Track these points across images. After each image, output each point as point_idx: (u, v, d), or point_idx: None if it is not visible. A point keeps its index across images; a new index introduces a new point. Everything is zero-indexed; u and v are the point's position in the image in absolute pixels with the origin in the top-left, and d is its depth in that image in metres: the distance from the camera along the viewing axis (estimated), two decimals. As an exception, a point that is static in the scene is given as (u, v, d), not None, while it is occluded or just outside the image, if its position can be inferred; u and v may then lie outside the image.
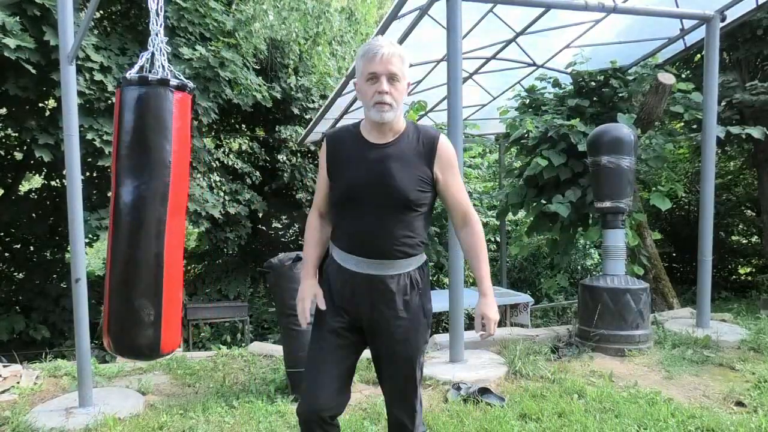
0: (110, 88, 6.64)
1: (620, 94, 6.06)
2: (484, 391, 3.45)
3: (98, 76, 6.55)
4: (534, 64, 6.83)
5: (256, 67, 8.82)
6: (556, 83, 6.67)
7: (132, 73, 2.54)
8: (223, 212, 8.45)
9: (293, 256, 3.54)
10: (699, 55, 7.80)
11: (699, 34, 5.37)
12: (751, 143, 8.12)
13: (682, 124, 7.09)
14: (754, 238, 11.04)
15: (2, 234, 8.42)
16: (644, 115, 5.62)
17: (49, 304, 8.04)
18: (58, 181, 8.52)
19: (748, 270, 10.96)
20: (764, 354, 4.18)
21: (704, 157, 4.98)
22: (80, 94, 5.85)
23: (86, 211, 6.71)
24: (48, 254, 8.50)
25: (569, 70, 6.43)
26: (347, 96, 7.06)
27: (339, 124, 7.87)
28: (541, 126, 5.90)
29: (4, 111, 7.38)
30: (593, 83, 6.18)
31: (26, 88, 6.35)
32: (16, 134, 7.75)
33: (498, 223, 9.74)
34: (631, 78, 6.11)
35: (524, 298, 7.72)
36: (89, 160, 6.81)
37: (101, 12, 7.74)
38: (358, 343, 1.99)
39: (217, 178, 8.62)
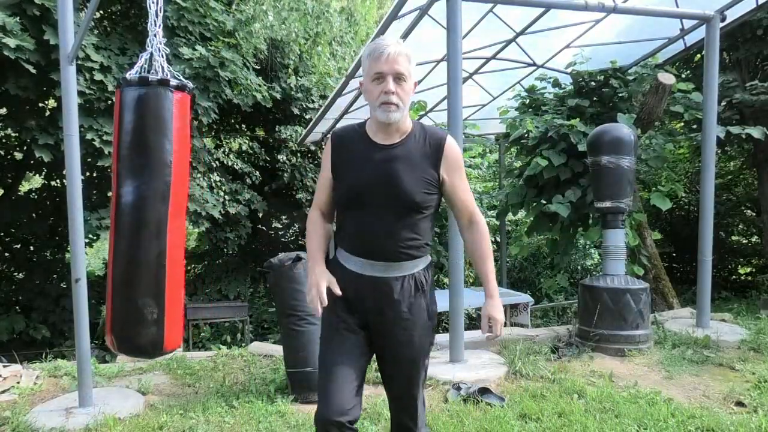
0: (110, 88, 6.64)
1: (620, 94, 6.06)
2: (484, 391, 3.45)
3: (98, 76, 6.55)
4: (534, 64, 6.83)
5: (256, 67, 8.82)
6: (556, 83, 6.67)
7: (132, 74, 2.55)
8: (223, 212, 8.45)
9: (293, 256, 3.54)
10: (699, 55, 7.80)
11: (699, 34, 5.37)
12: (751, 143, 8.12)
13: (682, 124, 7.10)
14: (754, 238, 11.04)
15: (2, 234, 8.42)
16: (644, 115, 5.62)
17: (49, 304, 8.04)
18: (58, 181, 8.52)
19: (748, 270, 10.95)
20: (764, 354, 4.18)
21: (704, 157, 4.98)
22: (80, 94, 5.85)
23: (86, 211, 6.71)
24: (48, 254, 8.50)
25: (569, 70, 6.43)
26: (347, 96, 7.06)
27: (339, 124, 7.88)
28: (541, 126, 5.90)
29: (4, 111, 7.38)
30: (593, 83, 6.18)
31: (26, 88, 6.35)
32: (16, 134, 7.75)
33: (498, 223, 9.74)
34: (631, 78, 6.11)
35: (524, 298, 7.72)
36: (89, 160, 6.80)
37: (101, 12, 7.74)
38: (369, 342, 1.95)
39: (217, 178, 8.62)
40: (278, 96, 9.19)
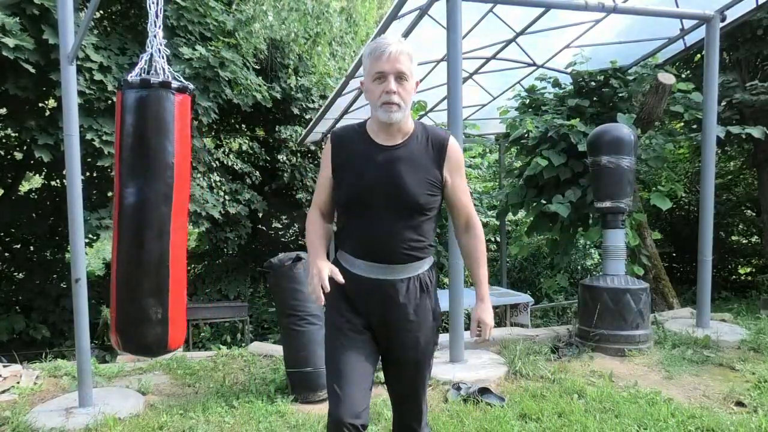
0: (110, 87, 6.64)
1: (620, 94, 6.06)
2: (484, 391, 3.45)
3: (98, 76, 6.55)
4: (534, 64, 6.83)
5: (256, 67, 8.82)
6: (556, 83, 6.67)
7: (133, 76, 2.55)
8: (223, 212, 8.45)
9: (293, 256, 3.54)
10: (699, 55, 7.80)
11: (699, 34, 5.37)
12: (751, 143, 8.12)
13: (682, 124, 7.09)
14: (754, 238, 11.03)
15: (2, 234, 8.42)
16: (644, 115, 5.61)
17: (49, 304, 8.04)
18: (58, 181, 8.52)
19: (748, 270, 10.95)
20: (764, 354, 4.18)
21: (704, 157, 4.98)
22: (80, 94, 5.85)
23: (86, 211, 6.71)
24: (48, 254, 8.50)
25: (569, 70, 6.43)
26: (347, 96, 7.06)
27: (339, 124, 7.88)
28: (541, 126, 5.90)
29: (4, 111, 7.39)
30: (593, 83, 6.18)
31: (26, 88, 6.35)
32: (16, 134, 7.75)
33: (498, 223, 9.74)
34: (631, 78, 6.11)
35: (524, 298, 7.72)
36: (89, 160, 6.80)
37: (101, 12, 7.74)
38: (375, 343, 1.92)
39: (217, 178, 8.62)
40: (278, 96, 9.19)
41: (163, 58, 2.63)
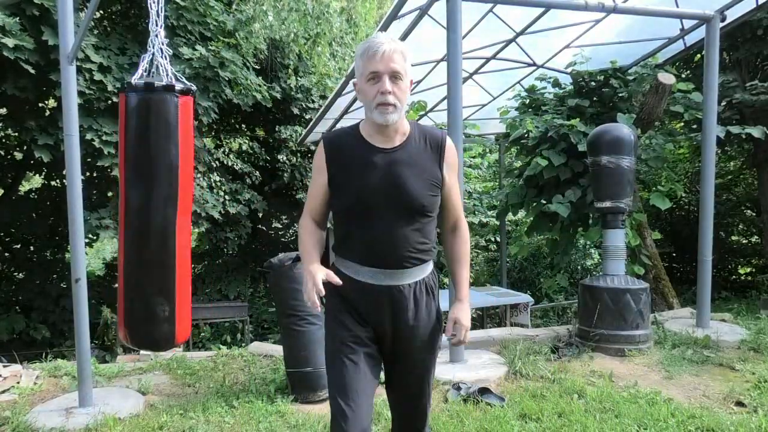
0: (110, 88, 6.64)
1: (620, 94, 6.06)
2: (484, 391, 3.45)
3: (98, 76, 6.55)
4: (534, 64, 6.83)
5: (256, 67, 8.82)
6: (556, 83, 6.67)
7: (137, 79, 2.55)
8: (223, 212, 8.45)
9: (293, 256, 3.54)
10: (699, 55, 7.80)
11: (699, 34, 5.37)
12: (751, 143, 8.12)
13: (682, 124, 7.09)
14: (754, 238, 11.03)
15: (2, 234, 8.42)
16: (644, 115, 5.61)
17: (49, 304, 8.03)
18: (58, 181, 8.52)
19: (748, 270, 10.94)
20: (764, 354, 4.18)
21: (704, 157, 4.98)
22: (80, 94, 5.85)
23: (86, 211, 6.71)
24: (48, 254, 8.50)
25: (569, 70, 6.43)
26: (347, 96, 7.06)
27: (339, 125, 7.89)
28: (541, 126, 5.91)
29: (4, 111, 7.39)
30: (593, 83, 6.18)
31: (25, 89, 6.35)
32: (16, 134, 7.75)
33: (498, 223, 9.74)
34: (631, 78, 6.11)
35: (524, 298, 7.71)
36: (89, 160, 6.80)
37: (101, 12, 7.74)
38: (379, 354, 1.89)
39: (217, 178, 8.62)
40: (278, 96, 9.19)
41: (165, 58, 2.64)
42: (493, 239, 10.90)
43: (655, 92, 5.51)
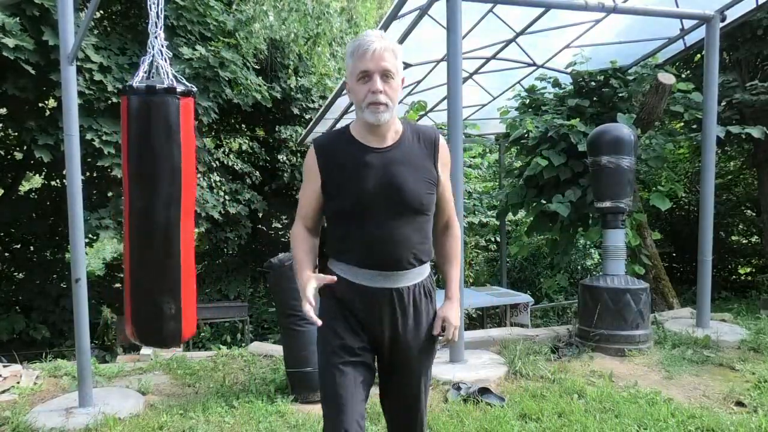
0: (110, 88, 6.65)
1: (620, 94, 6.06)
2: (484, 391, 3.45)
3: (98, 76, 6.56)
4: (534, 64, 6.82)
5: (256, 67, 8.82)
6: (556, 83, 6.67)
7: (138, 82, 2.56)
8: (223, 212, 8.45)
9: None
10: (699, 55, 7.80)
11: (699, 34, 5.37)
12: (751, 143, 8.11)
13: (682, 124, 7.09)
14: (754, 238, 11.03)
15: (2, 234, 8.42)
16: (644, 115, 5.62)
17: (49, 304, 8.04)
18: (58, 181, 8.52)
19: (748, 270, 10.94)
20: (764, 354, 4.18)
21: (704, 157, 4.98)
22: (80, 94, 5.84)
23: (86, 211, 6.70)
24: (48, 254, 8.50)
25: (569, 70, 6.43)
26: (347, 96, 7.04)
27: (339, 125, 7.88)
28: (541, 126, 5.91)
29: (4, 111, 7.39)
30: (593, 83, 6.18)
31: (25, 89, 6.36)
32: (16, 134, 7.75)
33: (498, 223, 9.73)
34: (631, 78, 6.11)
35: (524, 298, 7.71)
36: (89, 160, 6.81)
37: (101, 12, 7.74)
38: (372, 361, 1.85)
39: (217, 178, 8.63)
40: (278, 96, 9.19)
41: (165, 60, 2.65)
42: (493, 239, 10.90)
43: (655, 92, 5.51)
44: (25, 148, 7.96)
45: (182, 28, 7.47)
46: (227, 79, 7.71)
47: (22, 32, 5.93)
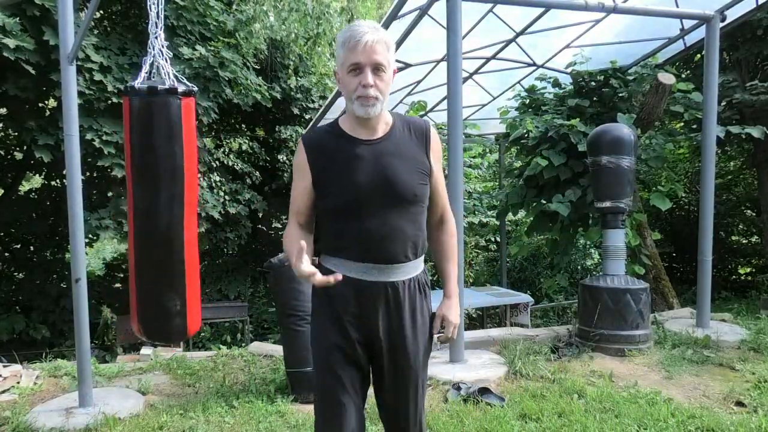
0: (110, 88, 6.65)
1: (620, 94, 6.06)
2: (484, 391, 3.45)
3: (98, 76, 6.56)
4: (534, 64, 6.83)
5: (256, 67, 8.83)
6: (556, 83, 6.67)
7: (139, 83, 2.58)
8: (223, 212, 8.46)
9: (293, 256, 3.53)
10: (699, 55, 7.80)
11: (699, 34, 5.37)
12: (751, 143, 8.12)
13: (682, 124, 7.09)
14: (754, 238, 11.04)
15: (2, 234, 8.42)
16: (644, 115, 5.62)
17: (49, 304, 8.04)
18: (58, 181, 8.52)
19: (748, 270, 10.95)
20: (764, 354, 4.18)
21: (704, 157, 4.98)
22: (80, 94, 5.85)
23: (86, 211, 6.70)
24: (48, 254, 8.50)
25: (569, 70, 6.43)
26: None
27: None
28: (541, 126, 5.91)
29: (4, 111, 7.39)
30: (593, 83, 6.18)
31: (25, 89, 6.36)
32: (16, 134, 7.75)
33: (498, 223, 9.74)
34: (631, 78, 6.11)
35: (524, 298, 7.72)
36: (89, 160, 6.81)
37: (101, 12, 7.74)
38: (368, 363, 1.83)
39: (217, 178, 8.63)
40: (278, 96, 9.20)
41: (166, 60, 2.67)
42: (493, 239, 10.90)
43: (655, 92, 5.51)
44: (25, 148, 7.96)
45: (182, 28, 7.47)
46: (227, 79, 7.72)
47: (22, 32, 5.93)
